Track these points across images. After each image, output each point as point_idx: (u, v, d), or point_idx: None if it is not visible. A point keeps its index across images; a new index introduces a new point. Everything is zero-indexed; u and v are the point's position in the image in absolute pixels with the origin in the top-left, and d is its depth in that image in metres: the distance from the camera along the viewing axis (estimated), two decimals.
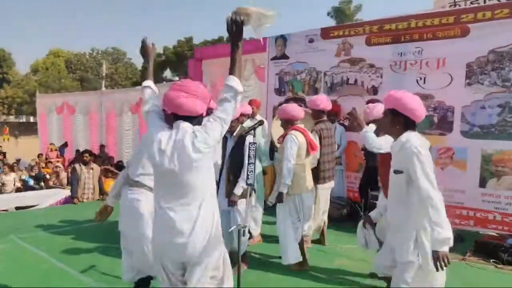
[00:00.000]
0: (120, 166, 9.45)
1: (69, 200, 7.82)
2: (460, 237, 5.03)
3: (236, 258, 2.81)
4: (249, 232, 4.92)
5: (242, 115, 5.02)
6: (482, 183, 5.07)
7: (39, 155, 13.02)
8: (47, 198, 8.25)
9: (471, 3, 6.33)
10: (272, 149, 5.61)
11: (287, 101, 7.01)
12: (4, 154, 11.32)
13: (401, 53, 5.68)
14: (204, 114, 2.24)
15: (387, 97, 2.62)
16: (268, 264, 4.26)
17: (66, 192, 8.36)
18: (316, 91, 6.58)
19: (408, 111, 2.50)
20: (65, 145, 13.89)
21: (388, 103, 2.60)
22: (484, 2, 6.14)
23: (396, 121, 2.54)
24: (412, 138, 2.45)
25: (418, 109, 2.52)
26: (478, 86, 5.09)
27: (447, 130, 5.34)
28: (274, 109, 7.06)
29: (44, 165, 11.94)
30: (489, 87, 5.02)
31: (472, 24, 5.12)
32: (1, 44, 72.62)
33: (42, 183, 10.37)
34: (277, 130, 5.00)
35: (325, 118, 4.82)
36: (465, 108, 5.18)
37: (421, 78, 5.51)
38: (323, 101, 4.77)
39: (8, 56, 53.59)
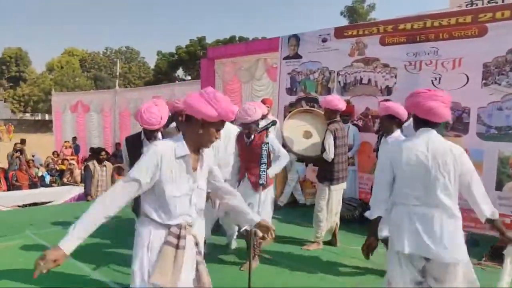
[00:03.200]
0: None
1: (83, 197, 7.92)
2: (475, 242, 4.94)
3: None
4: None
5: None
6: (499, 186, 4.97)
7: (54, 153, 13.22)
8: (61, 194, 8.38)
9: (489, 2, 6.21)
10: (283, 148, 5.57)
11: (298, 100, 6.99)
12: (21, 151, 11.51)
13: (416, 53, 5.60)
14: None
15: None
16: (278, 264, 4.24)
17: (80, 189, 8.48)
18: (329, 91, 6.53)
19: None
20: (75, 139, 14.15)
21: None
22: (503, 1, 6.02)
23: None
24: None
25: None
26: (495, 87, 4.99)
27: (462, 132, 5.25)
28: (285, 109, 7.04)
29: (60, 162, 12.13)
30: (507, 88, 4.92)
31: (490, 24, 5.02)
32: (18, 43, 74.13)
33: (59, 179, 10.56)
34: (288, 129, 4.97)
35: (338, 118, 4.78)
36: (482, 109, 5.08)
37: (436, 78, 5.43)
38: (341, 101, 4.73)
39: (25, 54, 54.53)
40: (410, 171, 2.37)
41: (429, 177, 2.35)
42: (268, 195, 4.00)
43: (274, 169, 3.94)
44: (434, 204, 2.36)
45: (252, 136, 3.85)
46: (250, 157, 3.88)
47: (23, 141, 12.86)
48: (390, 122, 3.71)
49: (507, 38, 4.89)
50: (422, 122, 2.42)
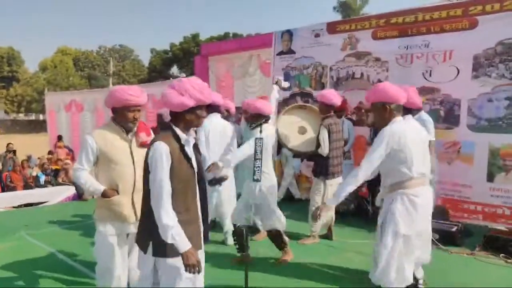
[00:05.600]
0: None
1: (77, 197, 7.91)
2: (468, 232, 5.00)
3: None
4: (257, 228, 4.98)
5: None
6: (490, 178, 5.02)
7: (50, 152, 13.15)
8: (56, 195, 8.34)
9: None
10: (279, 144, 5.58)
11: (293, 96, 7.01)
12: (14, 152, 11.42)
13: (407, 46, 5.62)
14: None
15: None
16: (275, 258, 4.28)
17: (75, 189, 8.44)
18: (323, 86, 6.55)
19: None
20: (60, 137, 13.86)
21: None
22: None
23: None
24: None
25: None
26: (486, 79, 5.02)
27: (453, 124, 5.29)
28: (279, 104, 7.05)
29: (54, 162, 12.07)
30: (497, 80, 4.96)
31: (481, 16, 5.05)
32: (10, 43, 73.46)
33: (54, 179, 10.50)
34: (283, 126, 4.99)
35: (332, 113, 4.80)
36: (472, 101, 5.12)
37: (427, 71, 5.47)
38: (336, 96, 4.74)
39: (17, 54, 54.12)
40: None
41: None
42: None
43: None
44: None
45: None
46: None
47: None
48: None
49: (497, 30, 4.91)
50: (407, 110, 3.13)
